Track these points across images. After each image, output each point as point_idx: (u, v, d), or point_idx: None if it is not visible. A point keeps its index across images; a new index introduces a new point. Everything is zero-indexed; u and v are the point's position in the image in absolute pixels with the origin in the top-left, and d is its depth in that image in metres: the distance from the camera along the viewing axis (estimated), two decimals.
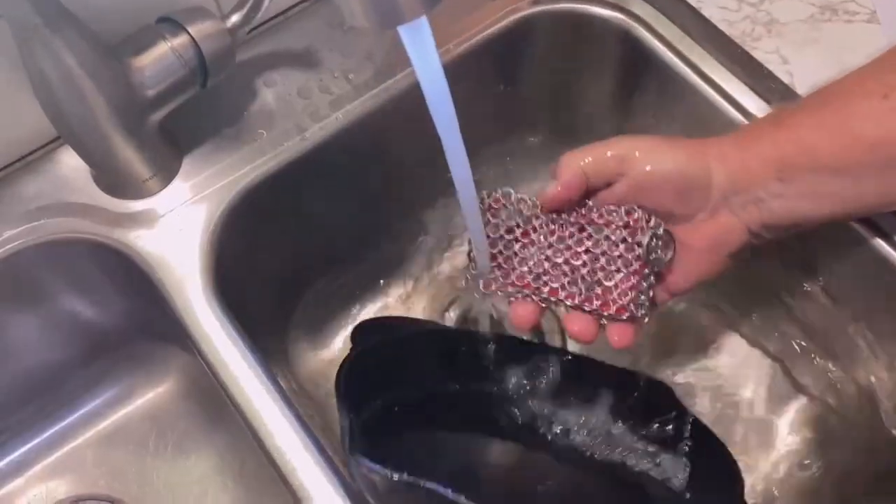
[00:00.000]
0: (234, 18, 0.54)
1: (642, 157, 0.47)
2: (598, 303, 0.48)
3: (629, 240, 0.48)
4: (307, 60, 0.63)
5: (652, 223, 0.48)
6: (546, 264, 0.49)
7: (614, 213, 0.48)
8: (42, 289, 0.62)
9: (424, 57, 0.36)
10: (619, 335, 0.48)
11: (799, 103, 0.50)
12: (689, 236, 0.49)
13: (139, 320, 0.67)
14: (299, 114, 0.61)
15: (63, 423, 0.71)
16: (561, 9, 0.65)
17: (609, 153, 0.47)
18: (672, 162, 0.47)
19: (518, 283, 0.50)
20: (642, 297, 0.48)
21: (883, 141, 0.43)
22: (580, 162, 0.47)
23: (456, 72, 0.58)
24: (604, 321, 0.49)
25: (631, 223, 0.48)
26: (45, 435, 0.70)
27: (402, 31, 0.35)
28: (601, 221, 0.48)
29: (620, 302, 0.48)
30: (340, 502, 0.49)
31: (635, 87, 0.67)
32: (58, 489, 0.69)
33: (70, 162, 0.59)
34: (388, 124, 0.62)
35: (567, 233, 0.49)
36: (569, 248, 0.49)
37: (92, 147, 0.54)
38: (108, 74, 0.51)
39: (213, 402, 0.67)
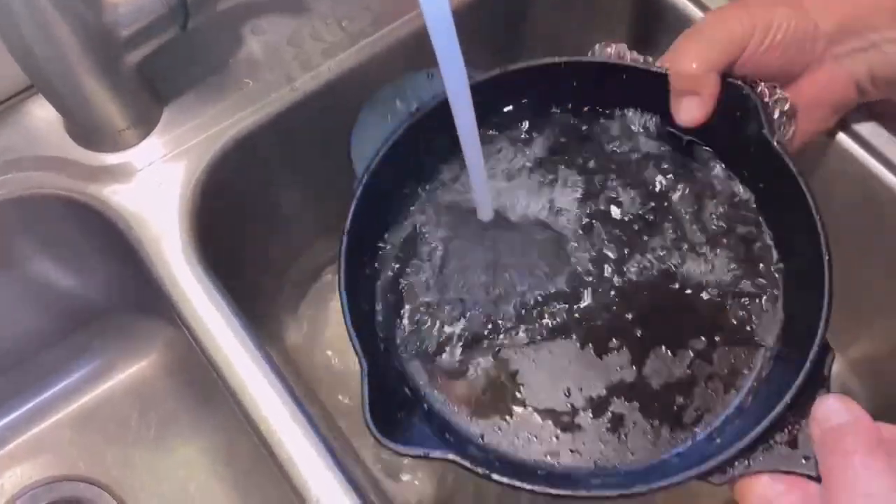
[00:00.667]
0: None
1: (754, 36, 0.44)
2: None
3: None
4: (298, 6, 0.60)
5: (778, 95, 0.46)
6: None
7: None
8: (12, 251, 0.59)
9: None
10: None
11: None
12: (794, 94, 0.47)
13: (119, 287, 0.65)
14: (289, 63, 0.58)
15: (39, 400, 0.69)
16: None
17: (725, 38, 0.44)
18: (781, 26, 0.44)
19: None
20: None
21: None
22: (710, 64, 0.44)
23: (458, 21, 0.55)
24: None
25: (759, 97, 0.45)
26: (20, 412, 0.68)
27: None
28: None
29: None
30: (330, 475, 0.46)
31: (649, 41, 0.63)
32: (33, 470, 0.67)
33: (41, 113, 0.56)
34: (384, 75, 0.58)
35: None
36: None
37: (62, 91, 0.51)
38: (79, 9, 0.48)
39: (200, 377, 0.64)
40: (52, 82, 0.51)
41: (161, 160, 0.55)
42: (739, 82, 0.45)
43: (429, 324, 0.47)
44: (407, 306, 0.47)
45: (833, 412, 0.36)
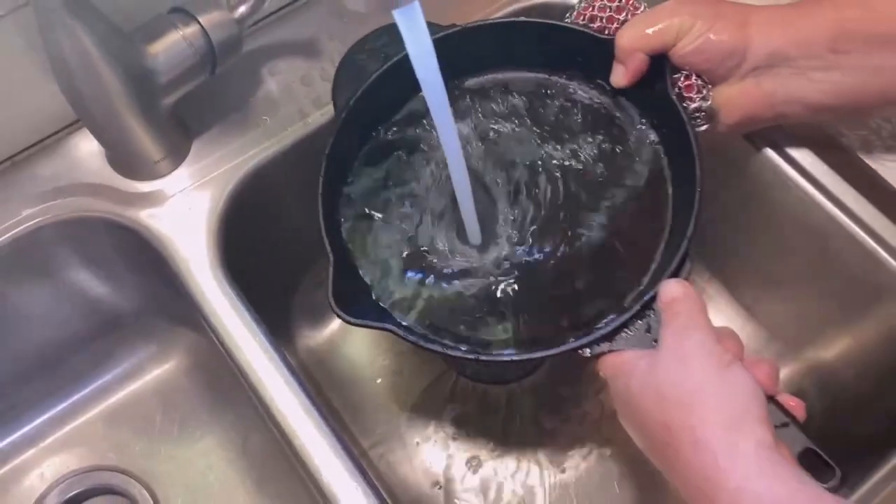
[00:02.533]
0: (242, 9, 0.57)
1: (689, 32, 0.51)
2: None
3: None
4: (310, 50, 0.65)
5: (703, 94, 0.53)
6: None
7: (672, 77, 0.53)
8: (57, 266, 0.64)
9: (417, 38, 0.40)
10: None
11: None
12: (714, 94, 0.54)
13: (149, 298, 0.69)
14: (302, 100, 0.63)
15: (75, 397, 0.72)
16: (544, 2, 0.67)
17: (662, 29, 0.51)
18: (715, 36, 0.51)
19: None
20: None
21: None
22: (640, 46, 0.52)
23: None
24: None
25: (682, 88, 0.53)
26: (58, 408, 0.72)
27: (397, 14, 0.38)
28: None
29: None
30: (339, 463, 0.51)
31: None
32: (69, 461, 0.70)
33: (85, 145, 0.61)
34: None
35: None
36: None
37: (107, 128, 0.56)
38: (124, 59, 0.53)
39: (219, 378, 0.69)
40: (97, 120, 0.56)
41: (190, 187, 0.60)
42: (664, 58, 0.52)
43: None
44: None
45: (671, 290, 0.46)
